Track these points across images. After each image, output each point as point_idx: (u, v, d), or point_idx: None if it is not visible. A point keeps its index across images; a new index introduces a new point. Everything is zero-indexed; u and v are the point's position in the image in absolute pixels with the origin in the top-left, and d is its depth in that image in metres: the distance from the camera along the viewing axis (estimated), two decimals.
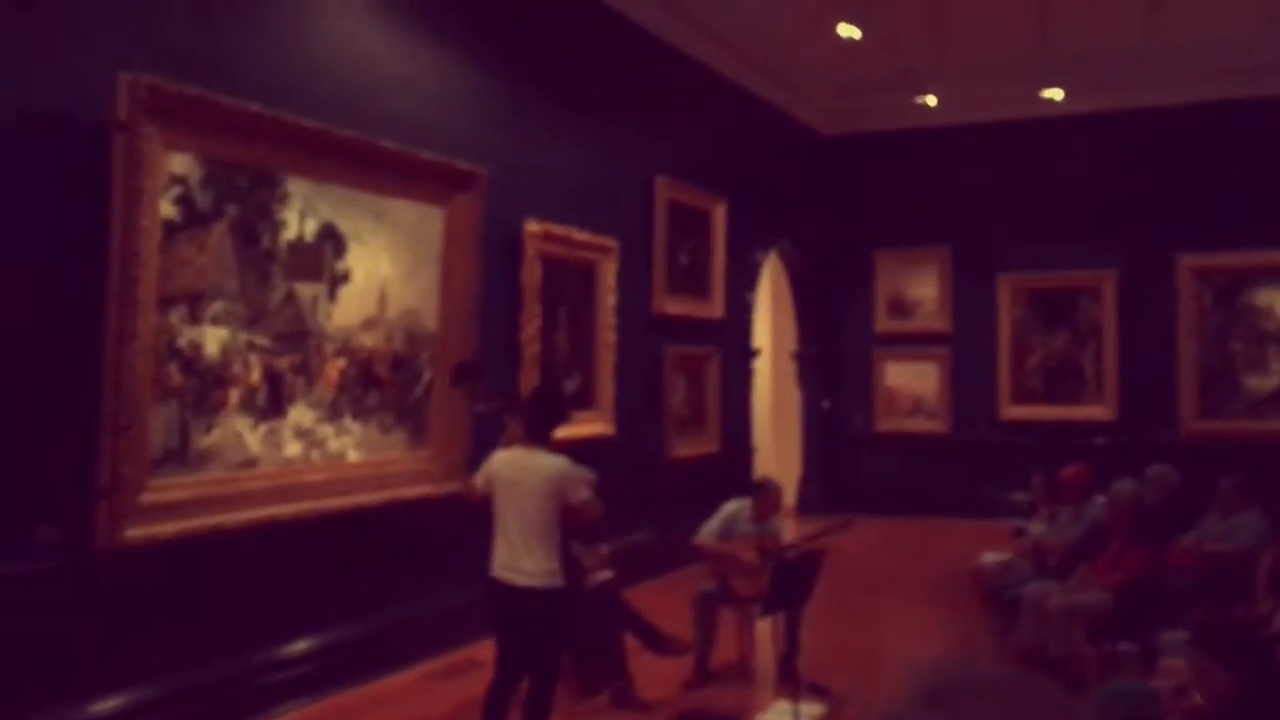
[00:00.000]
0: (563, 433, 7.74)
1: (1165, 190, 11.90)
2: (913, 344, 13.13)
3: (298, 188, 5.98)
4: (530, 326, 7.85)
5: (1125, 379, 12.15)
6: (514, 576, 4.64)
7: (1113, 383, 12.20)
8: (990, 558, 7.49)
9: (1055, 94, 12.16)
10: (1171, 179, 11.88)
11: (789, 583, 5.42)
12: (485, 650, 6.71)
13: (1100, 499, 6.76)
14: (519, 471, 4.70)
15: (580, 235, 8.45)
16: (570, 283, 8.46)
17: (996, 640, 6.91)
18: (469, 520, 6.30)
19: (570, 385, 8.51)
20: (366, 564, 6.51)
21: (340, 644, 6.30)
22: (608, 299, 8.84)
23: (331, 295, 6.22)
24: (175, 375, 5.31)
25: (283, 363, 5.91)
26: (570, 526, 4.88)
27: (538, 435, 4.80)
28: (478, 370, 5.44)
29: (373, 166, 6.40)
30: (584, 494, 4.71)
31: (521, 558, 4.63)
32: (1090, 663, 6.30)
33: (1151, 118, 11.97)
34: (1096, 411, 12.25)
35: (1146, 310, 12.01)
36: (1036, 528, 7.33)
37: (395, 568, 6.72)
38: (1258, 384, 11.67)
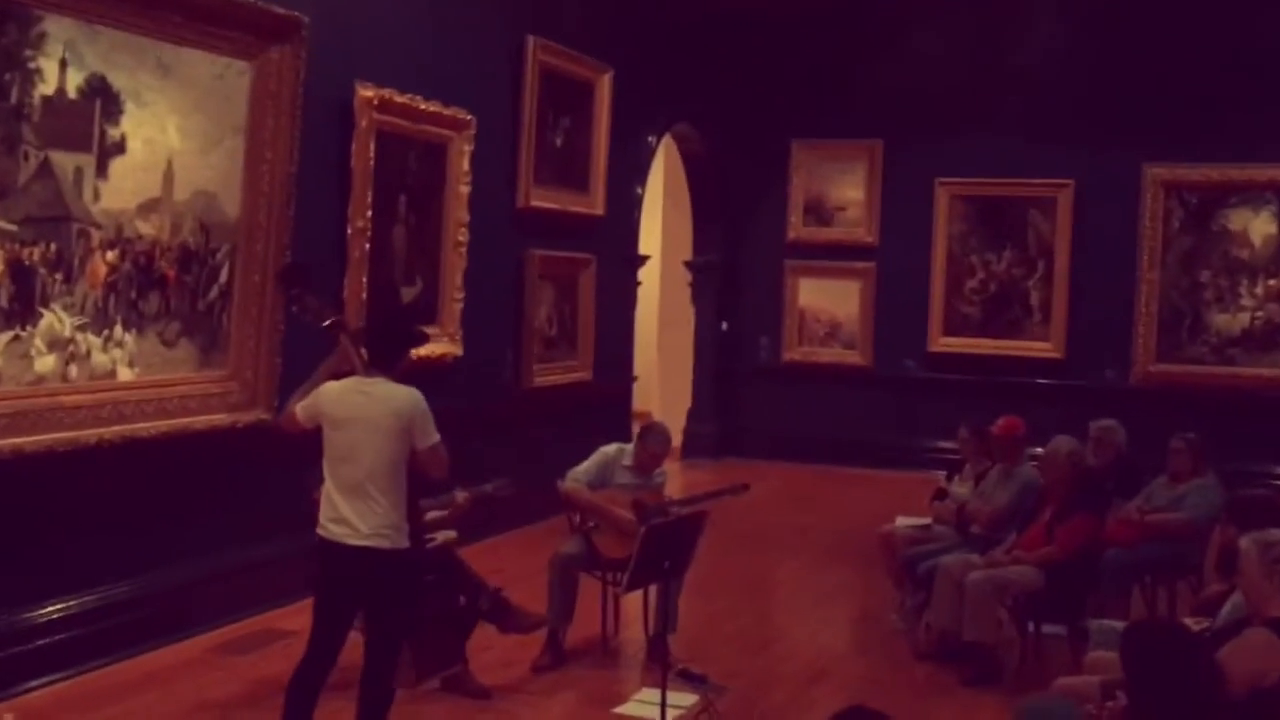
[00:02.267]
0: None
1: (1136, 89, 12.15)
2: (832, 257, 13.28)
3: (58, 28, 5.68)
4: (360, 219, 7.69)
5: (1076, 311, 12.52)
6: (348, 534, 4.59)
7: (1061, 314, 12.56)
8: (905, 522, 7.69)
9: None
10: (1145, 76, 12.12)
11: (661, 551, 5.48)
12: (287, 618, 6.69)
13: (1038, 453, 6.98)
14: (357, 407, 4.65)
15: (427, 106, 8.26)
16: (413, 166, 8.29)
17: (907, 621, 7.14)
18: (274, 459, 6.17)
19: (409, 294, 8.38)
20: (142, 510, 6.38)
21: (105, 609, 6.19)
22: (459, 188, 8.70)
23: (101, 169, 5.97)
24: None
25: (33, 253, 5.67)
26: (416, 475, 4.85)
27: (382, 362, 4.76)
28: (308, 275, 5.32)
29: (158, 7, 6.11)
30: (434, 437, 4.69)
31: (359, 512, 4.59)
32: (1012, 649, 6.56)
33: (1125, 2, 12.16)
34: (1041, 348, 12.63)
35: (1106, 229, 12.34)
36: (961, 489, 7.54)
37: (179, 515, 6.59)
38: (1226, 323, 12.15)
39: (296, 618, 4.93)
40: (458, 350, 8.79)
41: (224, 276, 6.74)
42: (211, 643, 6.60)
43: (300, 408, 4.79)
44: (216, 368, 6.74)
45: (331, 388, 4.76)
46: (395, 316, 5.45)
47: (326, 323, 4.98)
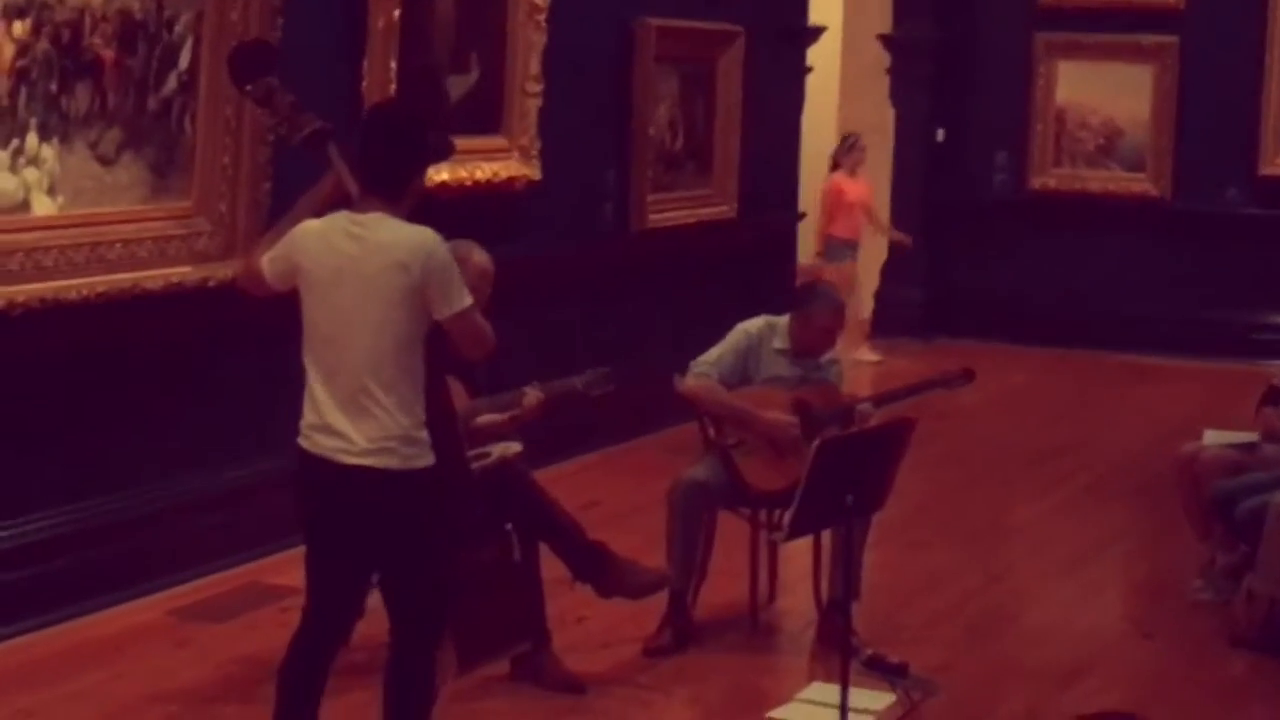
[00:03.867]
0: (440, 175, 7.76)
1: None
2: (1110, 27, 13.08)
3: None
4: None
5: None
6: (338, 449, 4.65)
7: None
8: (1217, 439, 7.59)
9: None
10: None
11: (840, 478, 5.48)
12: (282, 570, 6.83)
13: None
14: (344, 258, 4.65)
15: None
16: None
17: (1217, 588, 7.08)
18: (267, 336, 6.26)
19: (458, 86, 8.40)
20: (72, 411, 6.51)
21: (21, 553, 6.34)
22: None
23: None
24: None
25: None
26: (441, 358, 4.88)
27: (381, 188, 4.73)
28: (273, 59, 5.29)
29: None
30: (462, 301, 4.69)
31: (353, 416, 4.65)
32: None
33: None
34: None
35: None
36: None
37: (126, 420, 6.73)
38: None
39: (296, 570, 5.02)
40: (533, 173, 8.80)
41: (185, 60, 6.77)
42: (174, 604, 6.75)
43: (267, 260, 4.78)
44: (176, 197, 6.81)
45: (309, 229, 4.73)
46: (398, 114, 5.30)
47: (305, 132, 4.94)
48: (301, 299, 4.72)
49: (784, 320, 6.75)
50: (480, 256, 5.93)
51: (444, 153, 5.18)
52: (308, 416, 4.71)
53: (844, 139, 12.51)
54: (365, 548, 4.76)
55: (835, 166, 12.31)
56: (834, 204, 12.18)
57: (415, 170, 4.82)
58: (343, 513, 4.72)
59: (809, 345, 6.69)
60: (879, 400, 6.87)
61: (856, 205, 12.26)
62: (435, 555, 4.82)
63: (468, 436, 5.76)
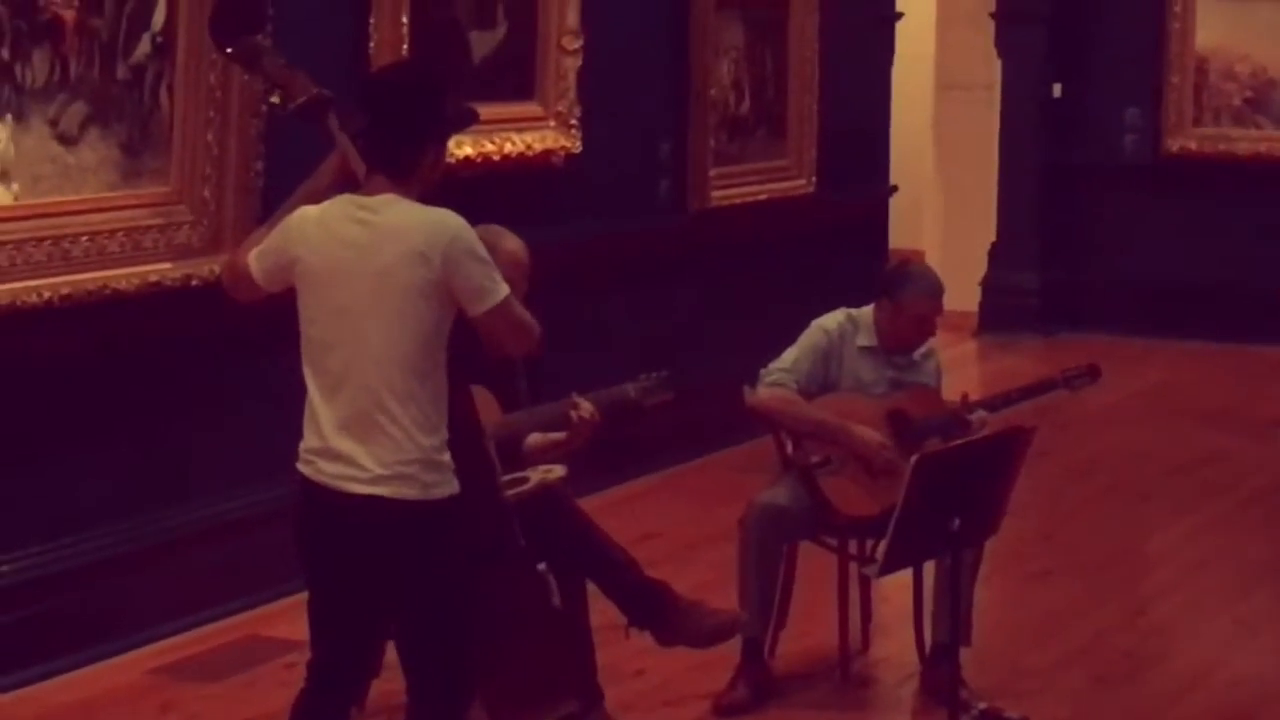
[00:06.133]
0: (462, 149, 7.75)
1: None
2: None
3: None
4: None
5: None
6: (344, 475, 4.64)
7: None
8: None
9: None
10: None
11: (943, 500, 5.45)
12: (281, 621, 6.86)
13: None
14: (351, 247, 4.63)
15: None
16: None
17: None
18: (261, 344, 6.27)
19: (482, 43, 8.42)
20: (30, 430, 6.52)
21: None
22: None
23: None
24: None
25: None
26: (465, 363, 4.87)
27: (391, 165, 4.72)
28: (262, 15, 5.30)
29: None
30: (497, 291, 4.68)
31: (361, 436, 4.65)
32: None
33: None
34: None
35: None
36: None
37: (95, 440, 6.74)
38: None
39: (300, 620, 5.01)
40: (572, 145, 8.81)
41: (159, 20, 6.78)
42: (157, 661, 6.76)
43: (255, 255, 4.77)
44: (152, 182, 6.83)
45: (306, 216, 4.71)
46: (408, 77, 5.30)
47: (300, 101, 4.95)
48: (299, 298, 4.70)
49: (867, 312, 6.70)
50: (512, 244, 5.91)
51: (465, 122, 5.16)
52: (308, 439, 4.69)
53: None
54: (378, 593, 4.75)
55: None
56: None
57: (430, 144, 4.78)
58: (351, 552, 4.70)
59: (901, 339, 6.64)
60: (990, 405, 6.83)
61: None
62: (460, 602, 4.82)
63: (513, 459, 5.75)
